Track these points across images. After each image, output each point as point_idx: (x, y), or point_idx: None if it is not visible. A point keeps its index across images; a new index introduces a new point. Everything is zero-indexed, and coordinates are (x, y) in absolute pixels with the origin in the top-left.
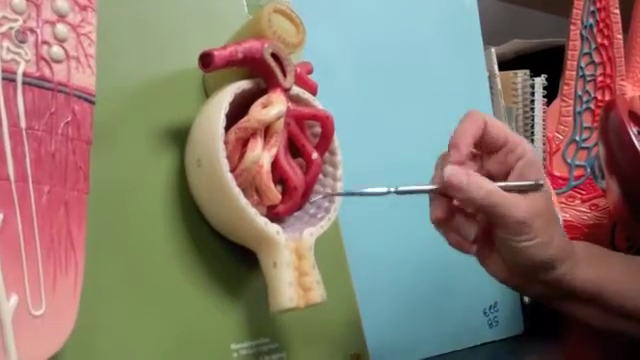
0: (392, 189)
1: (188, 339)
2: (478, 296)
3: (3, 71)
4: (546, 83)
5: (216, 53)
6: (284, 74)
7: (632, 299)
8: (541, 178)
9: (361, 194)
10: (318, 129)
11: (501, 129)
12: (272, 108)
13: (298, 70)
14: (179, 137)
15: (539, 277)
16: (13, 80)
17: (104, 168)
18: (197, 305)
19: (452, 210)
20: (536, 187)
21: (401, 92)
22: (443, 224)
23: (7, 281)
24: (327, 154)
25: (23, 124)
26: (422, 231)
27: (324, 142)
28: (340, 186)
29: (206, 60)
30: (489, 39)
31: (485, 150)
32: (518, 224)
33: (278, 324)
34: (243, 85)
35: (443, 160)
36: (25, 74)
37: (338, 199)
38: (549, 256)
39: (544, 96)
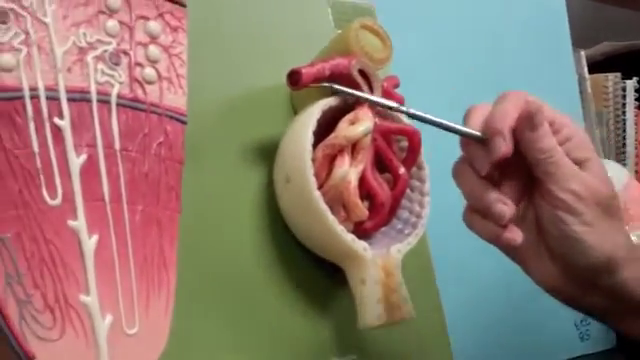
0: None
1: (276, 356)
2: (569, 308)
3: (98, 93)
4: (638, 86)
5: (304, 71)
6: (371, 90)
7: None
8: (592, 161)
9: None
10: (405, 143)
11: (547, 108)
12: (359, 125)
13: (385, 85)
14: (267, 154)
15: (596, 282)
16: (107, 102)
17: (194, 186)
18: (285, 322)
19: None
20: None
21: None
22: (477, 199)
23: (102, 301)
24: (414, 168)
25: (117, 145)
26: None
27: (411, 156)
28: (427, 200)
29: (294, 78)
30: (578, 41)
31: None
32: (571, 194)
33: (365, 340)
34: (330, 102)
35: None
36: (119, 96)
37: (425, 216)
38: (608, 252)
39: (636, 99)
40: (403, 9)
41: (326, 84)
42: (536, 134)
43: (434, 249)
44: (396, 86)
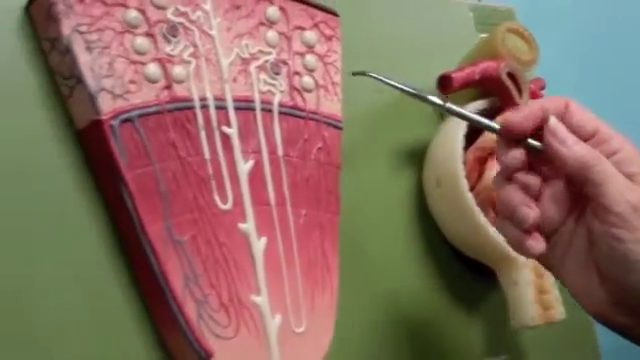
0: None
1: (429, 356)
2: None
3: (261, 102)
4: None
5: (454, 76)
6: (519, 92)
7: None
8: None
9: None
10: None
11: (590, 116)
12: None
13: (532, 87)
14: (416, 157)
15: (635, 303)
16: (270, 110)
17: (346, 189)
18: (438, 322)
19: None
20: None
21: (630, 95)
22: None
23: (272, 301)
24: None
25: (280, 151)
26: None
27: None
28: None
29: (445, 83)
30: None
31: None
32: (627, 205)
33: (517, 341)
34: (479, 105)
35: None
36: (280, 104)
37: None
38: None
39: None
40: (541, 10)
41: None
42: (557, 140)
43: None
44: (542, 88)
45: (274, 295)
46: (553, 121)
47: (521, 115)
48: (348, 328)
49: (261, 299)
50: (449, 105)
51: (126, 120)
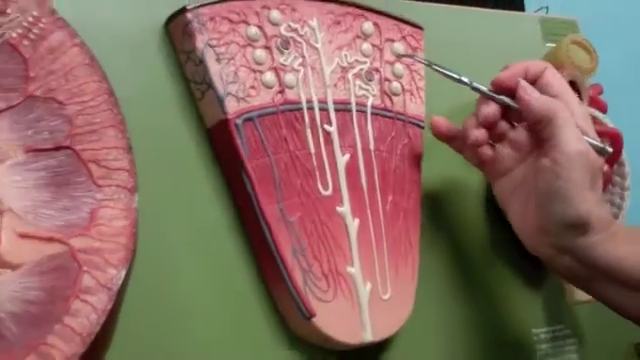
0: (465, 79)
1: (497, 324)
2: None
3: (357, 104)
4: None
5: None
6: (580, 98)
7: None
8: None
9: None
10: (608, 144)
11: (559, 82)
12: None
13: (591, 92)
14: None
15: (567, 242)
16: (364, 111)
17: (426, 180)
18: (503, 295)
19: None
20: (601, 151)
21: None
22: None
23: (363, 271)
24: (616, 166)
25: (372, 146)
26: None
27: (614, 156)
28: (627, 194)
29: None
30: None
31: None
32: (573, 154)
33: (572, 313)
34: None
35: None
36: (373, 106)
37: (625, 207)
38: (584, 215)
39: None
40: (603, 21)
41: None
42: (526, 94)
43: None
44: (600, 93)
45: (365, 266)
46: (523, 82)
47: (509, 72)
48: (426, 296)
49: (354, 270)
50: (475, 84)
51: (248, 119)
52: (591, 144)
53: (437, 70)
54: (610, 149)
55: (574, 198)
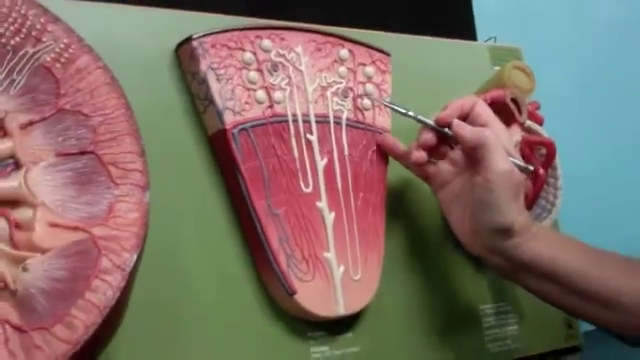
0: (411, 113)
1: (450, 300)
2: None
3: (334, 118)
4: None
5: None
6: (520, 113)
7: (584, 281)
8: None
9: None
10: (543, 151)
11: (486, 112)
12: (512, 138)
13: (529, 108)
14: None
15: (496, 244)
16: (340, 123)
17: (391, 180)
18: (454, 277)
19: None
20: (524, 170)
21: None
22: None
23: (338, 256)
24: (550, 169)
25: (346, 152)
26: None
27: (548, 161)
28: (560, 193)
29: None
30: None
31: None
32: (501, 173)
33: (513, 292)
34: None
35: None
36: (347, 119)
37: (558, 204)
38: (509, 221)
39: None
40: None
41: (411, 113)
42: (460, 129)
43: (564, 230)
44: (537, 108)
45: (339, 252)
46: (456, 121)
47: (448, 111)
48: (390, 277)
49: (330, 255)
50: (419, 117)
51: (242, 129)
52: (515, 164)
53: (388, 106)
54: (531, 168)
55: (502, 209)
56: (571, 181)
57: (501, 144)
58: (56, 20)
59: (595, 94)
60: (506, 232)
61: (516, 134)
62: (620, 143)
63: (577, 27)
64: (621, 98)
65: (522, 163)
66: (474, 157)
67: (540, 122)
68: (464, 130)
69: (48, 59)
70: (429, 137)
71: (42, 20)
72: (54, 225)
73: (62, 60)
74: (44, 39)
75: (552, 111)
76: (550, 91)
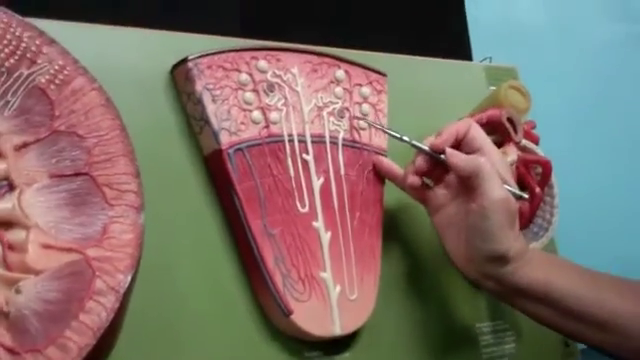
0: (406, 138)
1: (446, 319)
2: None
3: (330, 137)
4: None
5: None
6: (515, 132)
7: (580, 304)
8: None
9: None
10: (539, 170)
11: (480, 136)
12: (507, 157)
13: (525, 127)
14: None
15: (491, 271)
16: (336, 143)
17: (388, 201)
18: (451, 295)
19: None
20: (518, 197)
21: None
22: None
23: (334, 276)
24: (546, 188)
25: (342, 172)
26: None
27: (544, 179)
28: (556, 211)
29: None
30: None
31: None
32: (496, 201)
33: (510, 310)
34: None
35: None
36: (343, 139)
37: (555, 222)
38: (504, 248)
39: None
40: (541, 69)
41: (406, 138)
42: (453, 157)
43: (561, 248)
44: (533, 127)
45: (335, 272)
46: (449, 150)
47: (442, 138)
48: (386, 297)
49: (327, 275)
50: (414, 142)
51: (238, 149)
52: (510, 191)
53: (383, 131)
54: (526, 195)
55: (498, 236)
56: (566, 200)
57: (496, 171)
58: (51, 42)
59: (590, 114)
60: (501, 259)
61: (512, 153)
62: (615, 161)
63: (573, 47)
64: (616, 117)
65: (517, 191)
66: (469, 185)
67: (536, 141)
68: (458, 159)
69: (43, 80)
70: (424, 163)
71: (37, 42)
72: (47, 247)
73: (57, 82)
74: (39, 61)
75: (548, 130)
76: (546, 110)
